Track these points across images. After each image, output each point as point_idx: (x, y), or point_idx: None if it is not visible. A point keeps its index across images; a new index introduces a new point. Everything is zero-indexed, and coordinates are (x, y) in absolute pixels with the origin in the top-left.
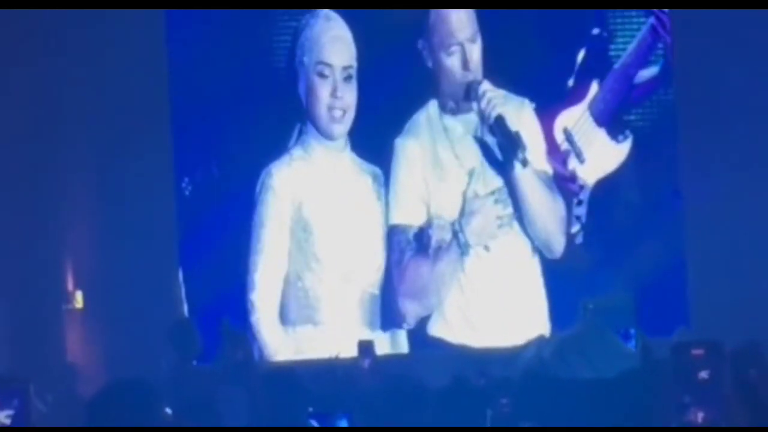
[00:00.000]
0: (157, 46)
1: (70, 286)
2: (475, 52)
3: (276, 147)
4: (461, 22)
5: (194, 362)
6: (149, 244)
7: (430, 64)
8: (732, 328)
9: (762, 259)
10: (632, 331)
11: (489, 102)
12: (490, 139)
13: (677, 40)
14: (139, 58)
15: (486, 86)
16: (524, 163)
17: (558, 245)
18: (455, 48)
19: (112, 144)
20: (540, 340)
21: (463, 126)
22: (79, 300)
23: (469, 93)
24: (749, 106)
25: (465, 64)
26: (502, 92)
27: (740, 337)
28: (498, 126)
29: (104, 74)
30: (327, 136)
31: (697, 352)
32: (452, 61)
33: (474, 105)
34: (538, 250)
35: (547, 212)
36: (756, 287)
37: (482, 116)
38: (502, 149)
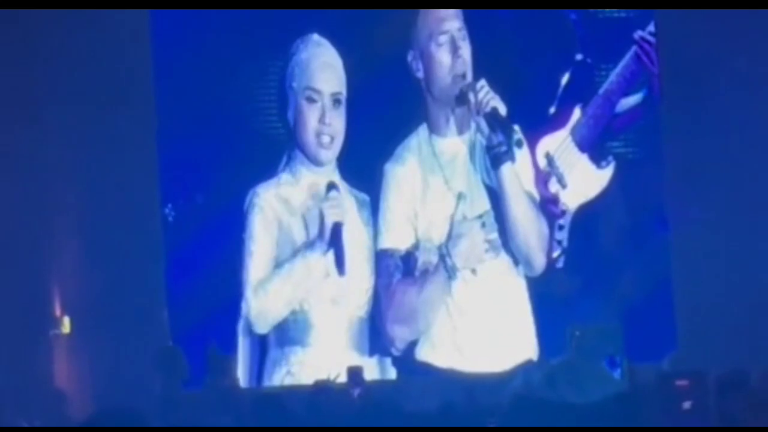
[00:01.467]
0: (143, 71)
1: (57, 311)
2: (464, 45)
3: (264, 172)
4: (448, 13)
5: (182, 388)
6: (137, 270)
7: (420, 73)
8: (720, 352)
9: (748, 283)
10: (618, 358)
11: (486, 94)
12: (479, 163)
13: (664, 67)
14: (126, 83)
15: (483, 82)
16: (519, 144)
17: (538, 262)
18: (444, 37)
19: (99, 169)
20: (528, 367)
21: (453, 148)
22: (66, 325)
23: (466, 92)
24: (734, 132)
25: (455, 52)
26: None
27: (728, 362)
28: (493, 117)
29: (90, 99)
30: (315, 162)
31: (681, 383)
32: (442, 54)
33: (468, 108)
34: (524, 272)
35: (530, 226)
36: (743, 311)
37: (478, 109)
38: (493, 148)
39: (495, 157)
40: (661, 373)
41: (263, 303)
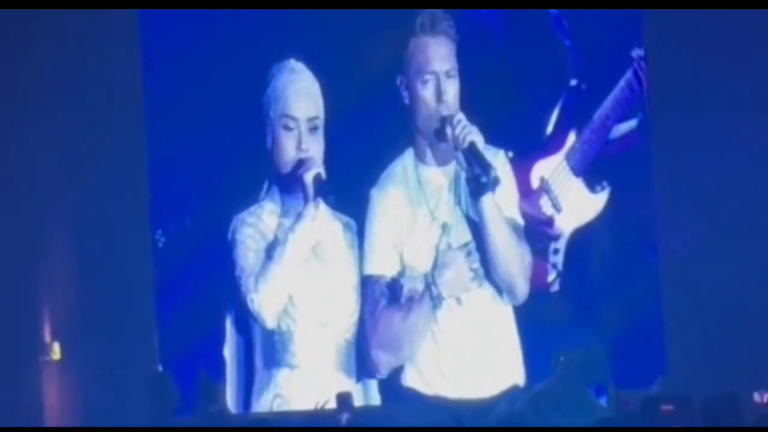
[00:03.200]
0: (133, 97)
1: (47, 337)
2: (451, 87)
3: (247, 199)
4: (439, 53)
5: (171, 415)
6: (127, 296)
7: (407, 100)
8: (708, 378)
9: (738, 308)
10: (605, 385)
11: (464, 129)
12: (462, 193)
13: (653, 91)
14: (115, 109)
15: (461, 116)
16: (495, 184)
17: (521, 291)
18: (429, 77)
19: (88, 194)
20: (513, 393)
21: (438, 178)
22: (56, 351)
23: (444, 125)
24: (726, 158)
25: (439, 96)
26: (476, 128)
27: (717, 388)
28: (471, 152)
29: (80, 123)
30: (294, 189)
31: (667, 408)
32: (426, 93)
33: (448, 142)
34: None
35: (511, 256)
36: (732, 337)
37: (456, 144)
38: (472, 180)
39: (474, 190)
40: (647, 398)
41: (263, 293)
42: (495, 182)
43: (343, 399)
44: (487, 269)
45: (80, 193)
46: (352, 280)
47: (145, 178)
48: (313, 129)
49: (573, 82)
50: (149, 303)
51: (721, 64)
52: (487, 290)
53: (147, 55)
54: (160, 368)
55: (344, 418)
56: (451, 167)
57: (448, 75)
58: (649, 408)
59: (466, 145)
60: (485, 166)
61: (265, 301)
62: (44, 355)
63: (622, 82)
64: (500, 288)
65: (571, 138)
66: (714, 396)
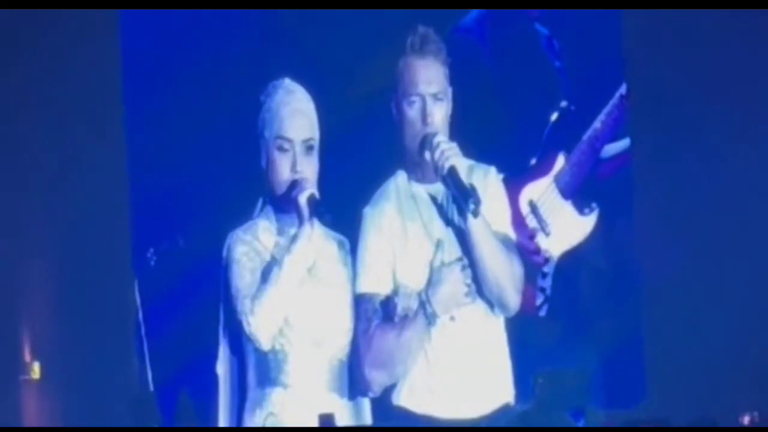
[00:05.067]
0: (117, 112)
1: (27, 356)
2: (438, 111)
3: (241, 217)
4: (426, 75)
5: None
6: (108, 315)
7: (396, 118)
8: (690, 401)
9: (723, 330)
10: (583, 407)
11: (442, 153)
12: (452, 202)
13: (635, 114)
14: (98, 131)
15: (440, 138)
16: (475, 214)
17: (512, 302)
18: (416, 99)
19: (71, 211)
20: (494, 415)
21: (430, 195)
22: (36, 371)
23: (424, 146)
24: (708, 183)
25: (424, 119)
26: (455, 145)
27: (703, 410)
28: (450, 177)
29: (63, 141)
30: (288, 209)
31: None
32: (412, 114)
33: (429, 164)
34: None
35: (500, 268)
36: (717, 359)
37: (435, 168)
38: (456, 201)
39: (459, 210)
40: (626, 421)
41: (259, 316)
42: (476, 213)
43: (325, 420)
44: (479, 284)
45: (62, 212)
46: (347, 300)
47: (128, 195)
48: (308, 149)
49: (563, 104)
50: (131, 323)
51: (706, 83)
52: (480, 306)
53: (129, 70)
54: (151, 387)
55: None
56: (439, 184)
57: (435, 98)
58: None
59: (445, 171)
60: (465, 194)
61: (261, 324)
62: (24, 374)
63: (612, 102)
64: (491, 301)
65: (560, 160)
66: (693, 419)
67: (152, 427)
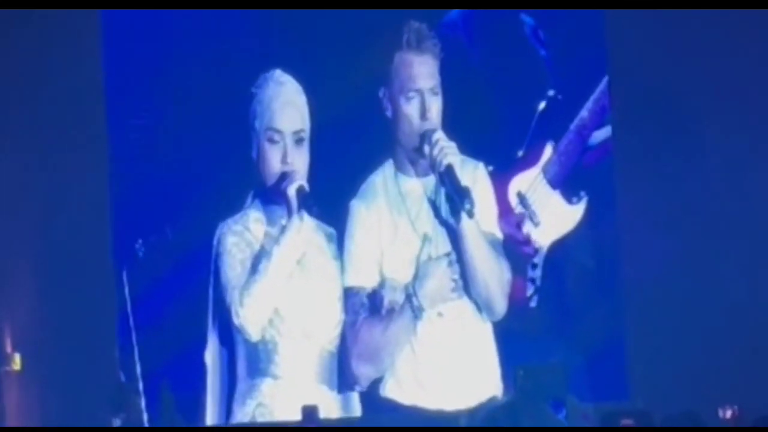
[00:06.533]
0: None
1: (8, 348)
2: (435, 104)
3: (230, 209)
4: (424, 71)
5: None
6: (88, 307)
7: (389, 113)
8: (672, 394)
9: (706, 324)
10: (563, 399)
11: (441, 150)
12: (445, 200)
13: (616, 105)
14: (80, 121)
15: (439, 135)
16: (470, 214)
17: (499, 307)
18: (414, 94)
19: (52, 203)
20: (475, 407)
21: (419, 188)
22: (17, 362)
23: (423, 141)
24: (692, 176)
25: (423, 113)
26: (454, 144)
27: (687, 402)
28: (447, 176)
29: (44, 134)
30: (279, 200)
31: (627, 422)
32: (410, 109)
33: (427, 159)
34: (486, 316)
35: (489, 272)
36: (701, 352)
37: (432, 164)
38: (449, 200)
39: (453, 209)
40: (606, 412)
41: (249, 307)
42: (471, 213)
43: (309, 412)
44: (466, 284)
45: (44, 204)
46: (336, 292)
47: (108, 185)
48: (299, 141)
49: (550, 93)
50: (112, 315)
51: (689, 75)
52: (467, 303)
53: (115, 60)
54: (139, 378)
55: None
56: (431, 178)
57: (432, 92)
58: (609, 422)
59: (443, 168)
60: (461, 194)
61: (251, 315)
62: (5, 366)
63: (599, 89)
64: (479, 304)
65: (548, 150)
66: (675, 413)
67: (135, 417)
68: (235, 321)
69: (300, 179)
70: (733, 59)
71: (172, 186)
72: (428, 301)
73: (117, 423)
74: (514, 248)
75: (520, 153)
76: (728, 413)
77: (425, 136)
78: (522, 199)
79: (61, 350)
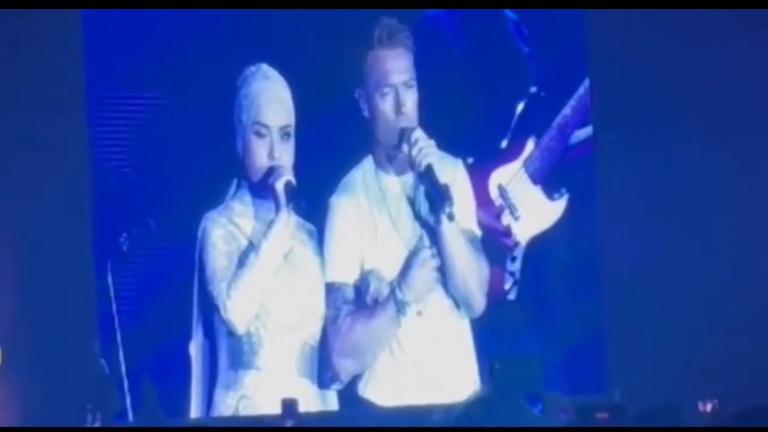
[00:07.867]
0: (79, 104)
1: None
2: (410, 98)
3: (213, 201)
4: (397, 65)
5: (113, 420)
6: (69, 301)
7: (366, 112)
8: (653, 390)
9: (688, 318)
10: (539, 393)
11: (420, 150)
12: (424, 199)
13: (597, 102)
14: (60, 111)
15: (419, 134)
16: (450, 216)
17: (478, 305)
18: (388, 90)
19: (30, 198)
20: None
21: (398, 186)
22: None
23: (402, 140)
24: (675, 172)
25: (398, 108)
26: (433, 142)
27: (667, 396)
28: (427, 175)
29: (24, 129)
30: (264, 194)
31: (602, 415)
32: (386, 105)
33: (406, 157)
34: (465, 313)
35: (468, 270)
36: (681, 346)
37: (412, 164)
38: (429, 199)
39: (432, 208)
40: (581, 405)
41: (235, 300)
42: (451, 216)
43: (288, 405)
44: (445, 281)
45: (23, 196)
46: (321, 287)
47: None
48: (285, 136)
49: (532, 90)
50: (92, 309)
51: (669, 75)
52: (446, 300)
53: (96, 53)
54: (123, 371)
55: (288, 424)
56: (410, 176)
57: (406, 86)
58: (583, 415)
59: (422, 168)
60: (441, 193)
61: (239, 309)
62: None
63: (582, 88)
64: (457, 300)
65: (530, 145)
66: (650, 406)
67: (118, 410)
68: (223, 314)
69: (287, 174)
70: (713, 59)
71: (155, 178)
72: (413, 295)
73: (98, 415)
74: (493, 239)
75: (502, 146)
76: (708, 407)
77: (404, 134)
78: (502, 191)
79: (42, 344)
